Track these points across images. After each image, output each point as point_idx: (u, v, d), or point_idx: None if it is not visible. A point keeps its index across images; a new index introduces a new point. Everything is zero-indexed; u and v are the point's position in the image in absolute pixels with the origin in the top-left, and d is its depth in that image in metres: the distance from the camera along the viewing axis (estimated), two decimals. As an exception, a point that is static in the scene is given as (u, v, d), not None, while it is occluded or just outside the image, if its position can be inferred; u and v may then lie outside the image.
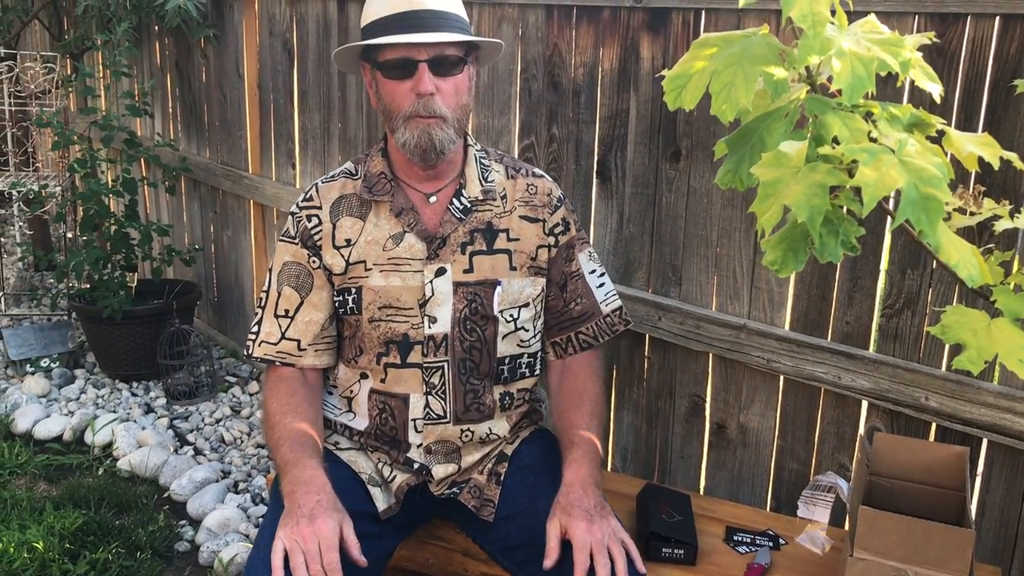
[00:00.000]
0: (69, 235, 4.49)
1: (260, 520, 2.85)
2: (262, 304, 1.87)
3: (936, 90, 0.94)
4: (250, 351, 1.86)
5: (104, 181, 3.73)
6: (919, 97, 1.84)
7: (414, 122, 1.71)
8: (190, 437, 3.39)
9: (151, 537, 2.72)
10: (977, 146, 0.91)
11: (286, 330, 1.82)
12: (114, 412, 3.49)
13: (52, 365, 3.84)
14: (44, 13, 4.56)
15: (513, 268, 1.83)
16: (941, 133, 0.99)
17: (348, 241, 1.81)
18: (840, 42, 0.84)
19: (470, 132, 2.12)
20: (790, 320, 2.13)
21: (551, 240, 1.88)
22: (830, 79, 0.87)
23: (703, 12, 2.15)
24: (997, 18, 1.74)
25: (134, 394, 3.72)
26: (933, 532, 1.46)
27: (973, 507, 1.92)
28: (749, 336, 2.17)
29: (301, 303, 1.83)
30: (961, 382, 1.85)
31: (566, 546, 1.59)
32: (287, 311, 1.83)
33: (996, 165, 0.91)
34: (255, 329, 1.86)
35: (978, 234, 1.52)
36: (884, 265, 1.99)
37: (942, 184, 0.80)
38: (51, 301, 4.26)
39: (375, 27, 1.72)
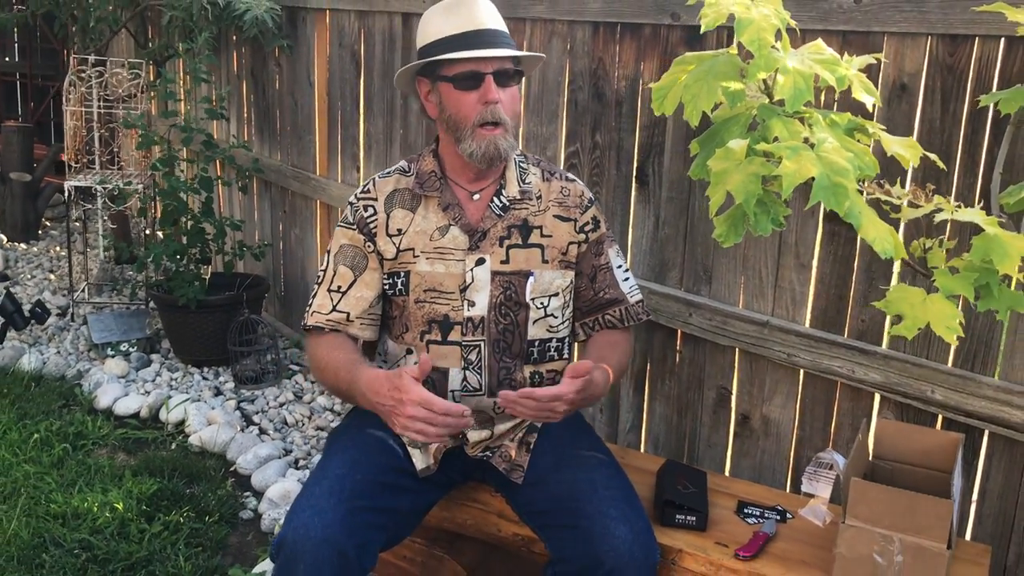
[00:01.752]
0: (147, 231, 4.80)
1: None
2: (319, 281, 2.09)
3: (870, 101, 1.12)
4: (305, 322, 2.08)
5: (183, 179, 4.01)
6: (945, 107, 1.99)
7: (481, 132, 1.93)
8: (255, 418, 3.64)
9: (219, 504, 2.97)
10: (903, 147, 1.09)
11: (337, 303, 2.04)
12: (186, 393, 3.76)
13: (131, 349, 4.13)
14: (131, 23, 4.89)
15: (545, 261, 2.04)
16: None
17: (399, 230, 2.03)
18: (784, 61, 1.03)
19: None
20: (810, 317, 2.29)
21: (581, 237, 2.07)
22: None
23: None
24: (1002, 40, 1.89)
25: (204, 378, 3.99)
26: (917, 502, 1.61)
27: (975, 495, 2.06)
28: (772, 332, 2.33)
29: (354, 281, 2.05)
30: (964, 376, 2.00)
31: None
32: (340, 287, 2.05)
33: (916, 163, 1.08)
34: (310, 303, 2.08)
35: (927, 225, 1.67)
36: (897, 267, 2.14)
37: (850, 175, 0.98)
38: (131, 291, 4.57)
39: (439, 45, 1.94)
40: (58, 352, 4.18)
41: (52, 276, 5.26)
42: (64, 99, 4.43)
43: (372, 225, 2.05)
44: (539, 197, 2.07)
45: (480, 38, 1.91)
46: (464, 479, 2.08)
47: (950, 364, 2.04)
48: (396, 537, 1.88)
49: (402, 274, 2.03)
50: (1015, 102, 1.43)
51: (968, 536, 2.08)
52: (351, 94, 3.77)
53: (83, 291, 4.73)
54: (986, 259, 1.03)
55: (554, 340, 2.08)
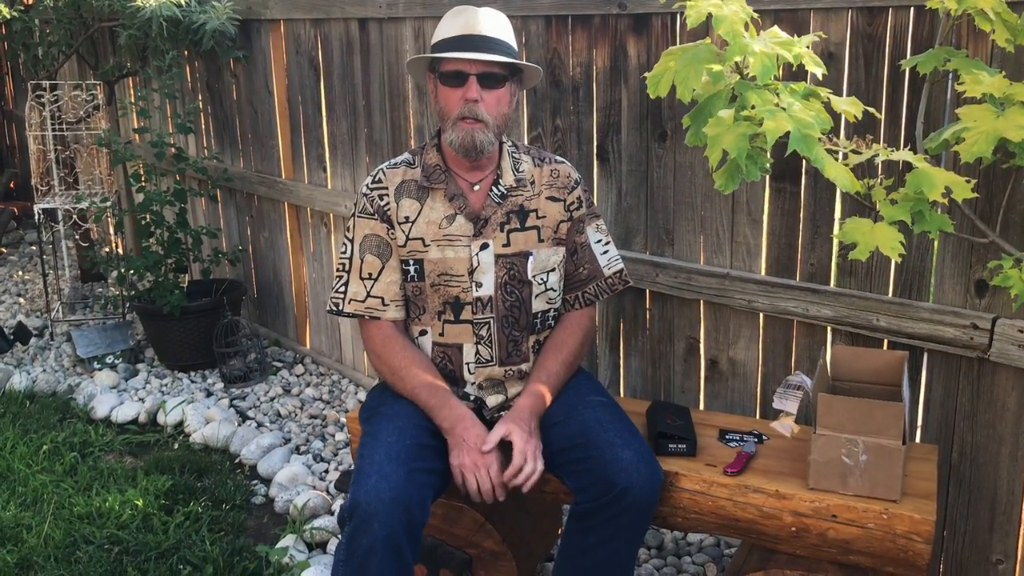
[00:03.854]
0: (119, 248, 4.92)
1: (324, 474, 3.30)
2: (345, 269, 2.31)
3: (819, 72, 1.40)
4: (340, 307, 2.30)
5: (158, 192, 4.16)
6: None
7: (461, 124, 2.17)
8: (250, 413, 3.83)
9: (232, 492, 3.16)
10: (848, 105, 1.37)
11: (371, 289, 2.28)
12: (179, 397, 3.93)
13: (116, 361, 4.28)
14: (81, 46, 4.99)
15: (541, 240, 2.29)
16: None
17: (407, 218, 2.27)
18: (753, 46, 1.30)
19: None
20: (765, 266, 2.57)
21: (567, 215, 2.33)
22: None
23: (678, 15, 2.59)
24: (912, 9, 2.18)
25: (193, 381, 4.17)
26: (873, 408, 1.90)
27: (920, 405, 2.37)
28: (732, 283, 2.61)
29: (383, 267, 2.28)
30: (903, 303, 2.29)
31: (505, 448, 2.12)
32: (371, 274, 2.28)
33: (860, 117, 1.36)
34: (342, 290, 2.30)
35: (868, 168, 1.96)
36: (838, 214, 2.43)
37: (815, 128, 1.26)
38: (113, 304, 4.70)
39: (441, 45, 2.19)
40: (44, 370, 4.31)
41: (21, 299, 5.35)
42: (27, 125, 4.54)
43: (388, 212, 2.28)
44: (533, 182, 2.32)
45: (471, 42, 2.15)
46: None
47: (890, 294, 2.34)
48: (438, 493, 2.13)
49: (413, 262, 2.26)
50: (930, 64, 1.72)
51: (918, 441, 2.38)
52: (312, 99, 3.96)
53: (58, 310, 4.85)
54: (918, 190, 1.31)
55: (552, 310, 2.34)
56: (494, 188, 2.28)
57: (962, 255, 2.18)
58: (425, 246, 2.25)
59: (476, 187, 2.28)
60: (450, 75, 2.16)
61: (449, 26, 2.20)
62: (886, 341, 2.37)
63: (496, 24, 2.21)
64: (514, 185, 2.29)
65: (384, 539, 1.91)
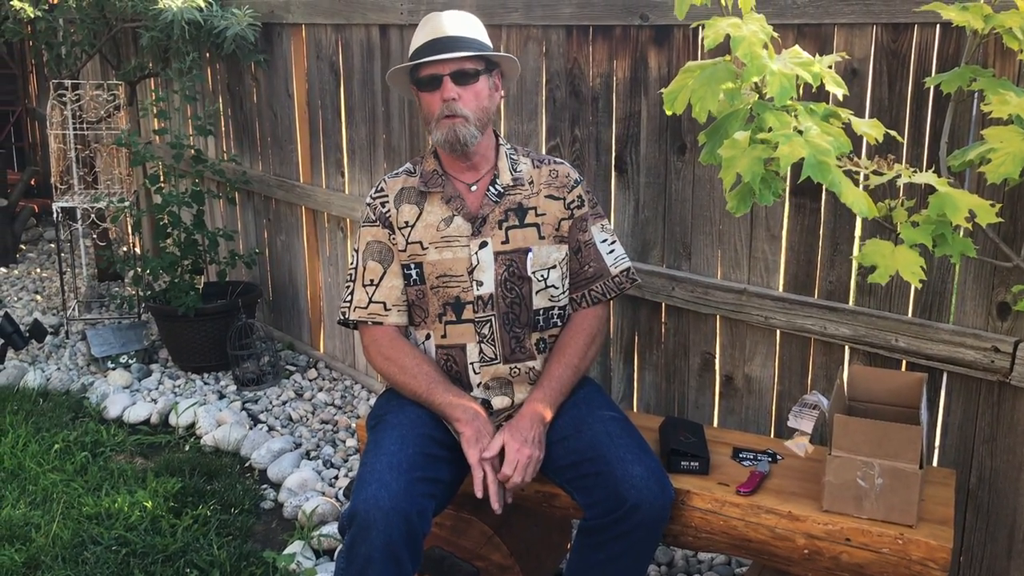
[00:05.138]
0: (137, 249, 4.93)
1: (333, 480, 3.29)
2: (351, 279, 2.34)
3: (839, 92, 1.37)
4: (346, 315, 2.32)
5: (175, 193, 4.17)
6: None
7: (443, 123, 2.20)
8: (261, 416, 3.82)
9: (241, 496, 3.15)
10: (869, 127, 1.34)
11: (373, 295, 2.28)
12: (191, 399, 3.93)
13: (130, 361, 4.28)
14: (104, 46, 5.02)
15: (542, 237, 2.29)
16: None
17: (407, 223, 2.29)
18: (771, 66, 1.27)
19: (502, 135, 2.55)
20: (783, 282, 2.54)
21: (568, 213, 2.33)
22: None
23: (700, 28, 2.56)
24: (938, 26, 2.15)
25: (206, 383, 4.17)
26: (890, 431, 1.87)
27: (938, 428, 2.33)
28: (749, 298, 2.58)
29: (384, 272, 2.29)
30: (923, 324, 2.26)
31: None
32: (372, 280, 2.30)
33: (881, 140, 1.33)
34: (348, 298, 2.32)
35: (890, 188, 1.94)
36: (858, 232, 2.40)
37: (831, 154, 1.25)
38: (128, 304, 4.71)
39: (414, 54, 2.23)
40: (58, 368, 4.32)
41: (39, 297, 5.38)
42: (48, 123, 4.56)
43: (389, 218, 2.30)
44: (531, 182, 2.32)
45: (439, 45, 2.19)
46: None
47: (910, 315, 2.30)
48: (442, 505, 2.11)
49: (414, 265, 2.27)
50: (955, 83, 1.69)
51: (935, 464, 2.34)
52: (332, 104, 3.96)
53: (74, 309, 4.86)
54: (940, 213, 1.28)
55: (556, 308, 2.33)
56: (491, 188, 2.30)
57: (984, 277, 2.14)
58: (424, 249, 2.26)
59: (473, 188, 2.30)
60: (426, 80, 2.21)
61: (420, 35, 2.24)
62: (905, 362, 2.33)
63: (461, 23, 2.24)
64: (511, 184, 2.31)
65: (382, 548, 1.89)
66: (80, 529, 2.93)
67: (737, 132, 1.29)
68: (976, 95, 1.94)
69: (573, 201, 2.33)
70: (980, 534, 2.27)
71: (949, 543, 1.87)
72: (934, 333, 2.23)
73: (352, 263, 2.36)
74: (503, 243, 2.26)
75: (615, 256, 2.38)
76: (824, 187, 2.36)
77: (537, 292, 2.29)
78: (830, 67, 1.37)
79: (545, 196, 2.31)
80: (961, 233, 1.40)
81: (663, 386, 2.89)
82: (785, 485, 2.11)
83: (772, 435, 2.63)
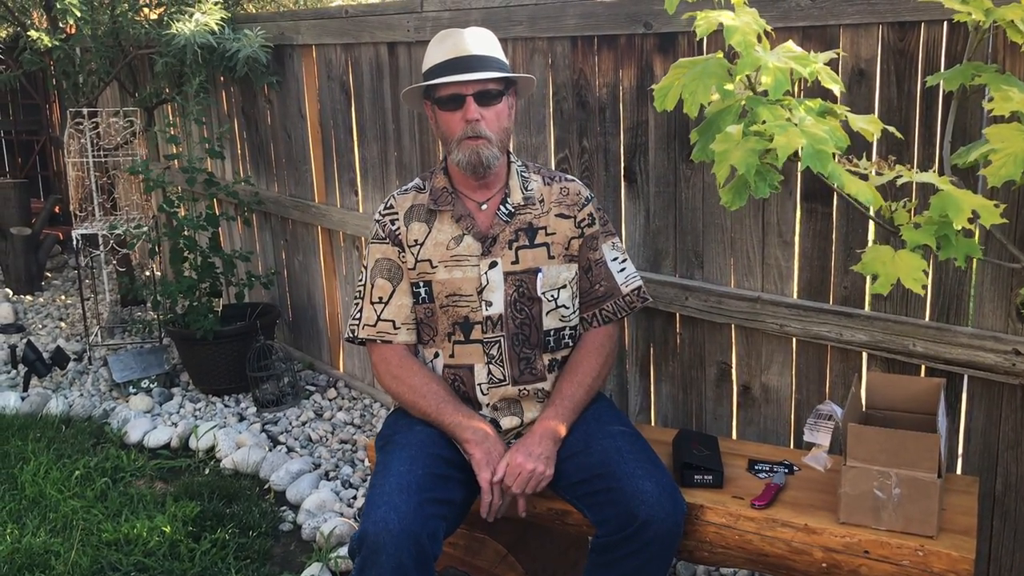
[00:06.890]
0: (157, 272, 4.96)
1: (352, 500, 3.27)
2: (360, 296, 2.32)
3: (836, 88, 1.34)
4: (355, 334, 2.30)
5: (190, 217, 4.19)
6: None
7: (465, 143, 2.16)
8: (281, 438, 3.82)
9: (259, 519, 3.14)
10: (866, 123, 1.30)
11: (381, 313, 2.26)
12: (211, 421, 3.93)
13: (151, 385, 4.30)
14: (120, 73, 5.07)
15: (551, 257, 2.25)
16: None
17: (416, 241, 2.25)
18: (766, 59, 1.24)
19: (512, 151, 2.53)
20: (797, 289, 2.49)
21: (578, 232, 2.29)
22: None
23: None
24: (945, 23, 2.10)
25: (226, 405, 4.17)
26: (907, 439, 1.82)
27: (960, 434, 2.27)
28: (764, 306, 2.53)
29: (393, 291, 2.27)
30: (941, 328, 2.20)
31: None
32: (381, 298, 2.27)
33: (878, 136, 1.29)
34: (357, 316, 2.30)
35: (896, 190, 1.88)
36: (871, 236, 2.35)
37: (829, 143, 1.21)
38: (148, 329, 4.73)
39: (433, 71, 2.18)
40: (81, 394, 4.34)
41: (63, 324, 5.42)
42: (65, 151, 4.61)
43: (399, 236, 2.27)
44: (542, 201, 2.29)
45: (462, 64, 2.14)
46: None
47: (927, 319, 2.25)
48: (453, 526, 2.08)
49: (423, 284, 2.24)
50: (956, 80, 1.64)
51: (958, 472, 2.28)
52: (344, 123, 3.96)
53: (96, 335, 4.89)
54: (943, 214, 1.24)
55: (567, 328, 2.29)
56: (502, 207, 2.26)
57: (1002, 278, 2.09)
58: (433, 267, 2.24)
59: (484, 206, 2.27)
60: (447, 99, 2.16)
61: (437, 52, 2.18)
62: (923, 367, 2.28)
63: (483, 41, 2.20)
64: (522, 203, 2.27)
65: (393, 571, 1.87)
66: (99, 556, 2.93)
67: (730, 126, 1.26)
68: (985, 92, 1.89)
69: (583, 220, 2.30)
70: (1008, 542, 2.20)
71: (972, 553, 1.81)
72: (952, 337, 2.18)
73: (361, 280, 2.34)
74: (513, 263, 2.23)
75: (626, 275, 2.34)
76: (835, 191, 2.33)
77: (547, 313, 2.26)
78: (828, 64, 1.33)
79: (555, 215, 2.28)
80: (976, 234, 1.35)
81: (680, 398, 2.84)
82: (801, 497, 2.06)
83: (792, 445, 2.58)
